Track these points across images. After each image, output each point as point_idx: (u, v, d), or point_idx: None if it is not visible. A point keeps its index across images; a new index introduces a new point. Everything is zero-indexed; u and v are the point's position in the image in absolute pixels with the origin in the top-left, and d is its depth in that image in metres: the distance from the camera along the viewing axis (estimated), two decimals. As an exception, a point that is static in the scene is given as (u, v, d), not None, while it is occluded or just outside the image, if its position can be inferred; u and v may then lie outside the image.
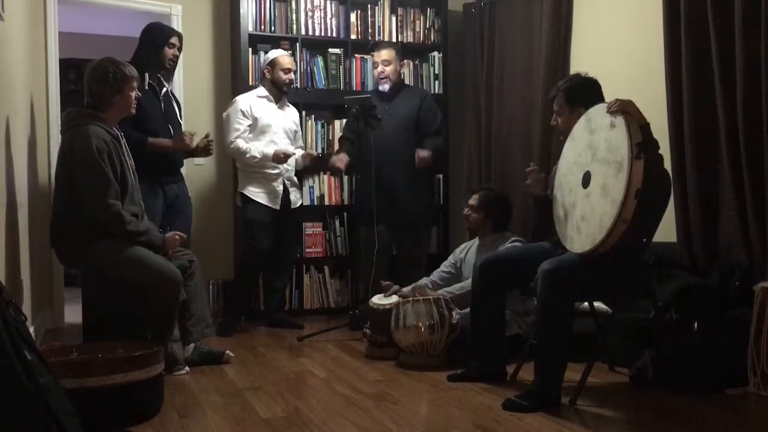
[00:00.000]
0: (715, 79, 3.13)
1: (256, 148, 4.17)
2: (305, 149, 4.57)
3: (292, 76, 4.33)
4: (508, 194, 3.87)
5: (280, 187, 4.28)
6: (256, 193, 4.23)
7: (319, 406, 2.65)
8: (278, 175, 4.26)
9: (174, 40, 3.87)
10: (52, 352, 2.60)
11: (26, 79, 3.73)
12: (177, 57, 3.92)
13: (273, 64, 4.30)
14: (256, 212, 4.23)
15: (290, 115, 4.44)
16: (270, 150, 4.16)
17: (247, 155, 4.17)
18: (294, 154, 4.33)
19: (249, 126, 4.21)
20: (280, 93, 4.33)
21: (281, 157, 4.15)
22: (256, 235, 4.22)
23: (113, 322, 3.02)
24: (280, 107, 4.35)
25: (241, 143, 4.18)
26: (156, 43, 3.81)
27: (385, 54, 4.36)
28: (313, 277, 4.84)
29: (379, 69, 4.36)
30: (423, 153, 4.24)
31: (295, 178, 4.45)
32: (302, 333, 4.06)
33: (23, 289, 3.31)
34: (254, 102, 4.26)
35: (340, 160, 4.32)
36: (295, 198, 4.41)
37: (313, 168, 4.70)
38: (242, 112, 4.21)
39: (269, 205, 4.24)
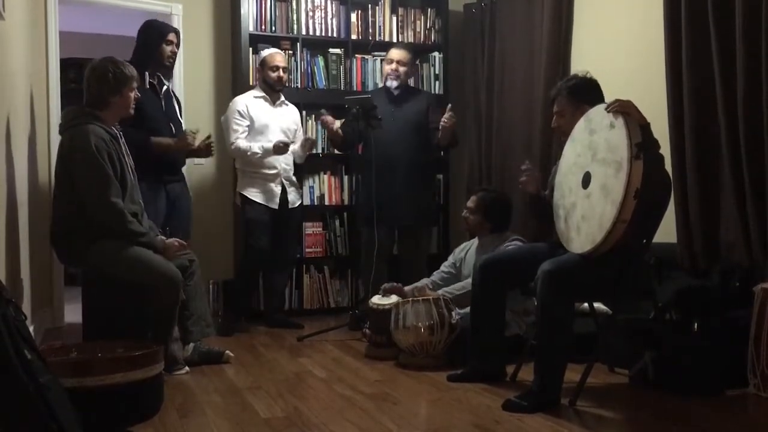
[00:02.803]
0: (716, 79, 3.13)
1: (257, 144, 4.18)
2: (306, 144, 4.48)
3: (281, 73, 4.27)
4: (506, 194, 3.85)
5: (279, 188, 4.28)
6: (255, 193, 4.24)
7: (319, 407, 2.64)
8: (276, 175, 4.26)
9: (171, 36, 3.84)
10: (52, 351, 2.60)
11: (27, 79, 3.73)
12: (175, 54, 3.89)
13: (263, 63, 4.30)
14: (254, 212, 4.23)
15: (288, 114, 4.42)
16: (270, 145, 4.15)
17: (249, 153, 4.17)
18: (293, 142, 4.32)
19: (247, 126, 4.22)
20: (273, 92, 4.32)
21: (281, 147, 4.12)
22: (254, 234, 4.22)
23: (113, 321, 3.02)
24: (277, 106, 4.35)
25: (241, 143, 4.18)
26: (153, 40, 3.79)
27: (402, 55, 4.34)
28: (313, 277, 4.84)
29: (393, 66, 4.32)
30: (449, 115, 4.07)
31: (294, 178, 4.43)
32: (302, 333, 4.05)
33: (23, 288, 3.31)
34: (251, 102, 4.26)
35: (332, 120, 4.28)
36: (294, 198, 4.39)
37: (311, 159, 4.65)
38: (239, 113, 4.21)
39: (267, 204, 4.24)
